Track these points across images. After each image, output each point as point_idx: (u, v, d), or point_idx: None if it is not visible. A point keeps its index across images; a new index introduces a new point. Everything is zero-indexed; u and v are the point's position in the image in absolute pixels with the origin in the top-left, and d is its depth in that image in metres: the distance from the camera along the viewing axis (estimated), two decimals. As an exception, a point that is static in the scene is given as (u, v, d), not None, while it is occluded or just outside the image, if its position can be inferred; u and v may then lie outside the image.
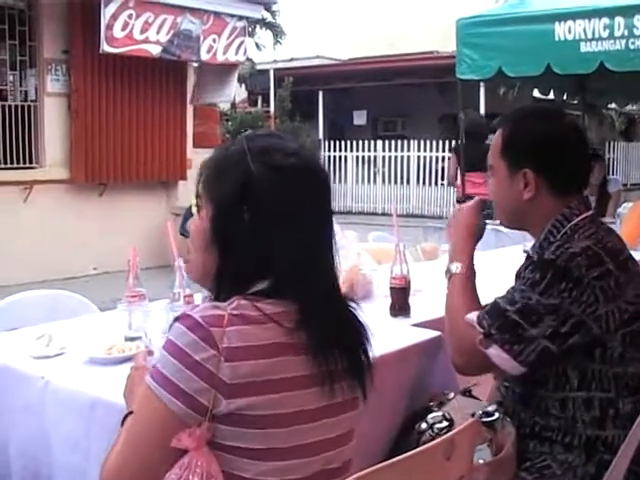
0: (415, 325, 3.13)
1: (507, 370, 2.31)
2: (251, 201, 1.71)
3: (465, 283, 2.54)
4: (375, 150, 21.46)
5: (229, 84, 11.60)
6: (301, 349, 1.67)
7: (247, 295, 1.69)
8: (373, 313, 3.18)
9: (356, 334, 1.82)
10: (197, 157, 10.57)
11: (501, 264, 3.37)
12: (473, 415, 2.38)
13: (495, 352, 2.27)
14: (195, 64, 11.61)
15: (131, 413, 1.86)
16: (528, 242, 2.81)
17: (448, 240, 2.79)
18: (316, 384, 1.69)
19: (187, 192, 10.56)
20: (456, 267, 2.57)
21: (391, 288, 3.29)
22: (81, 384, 2.48)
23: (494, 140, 2.53)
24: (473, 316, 2.36)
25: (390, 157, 21.19)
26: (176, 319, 1.66)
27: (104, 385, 2.43)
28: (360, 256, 3.68)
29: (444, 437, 1.81)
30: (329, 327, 1.73)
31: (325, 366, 1.70)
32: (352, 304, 1.86)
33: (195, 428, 1.58)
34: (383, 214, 20.06)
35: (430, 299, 3.51)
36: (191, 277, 1.93)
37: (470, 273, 2.56)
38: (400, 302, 3.29)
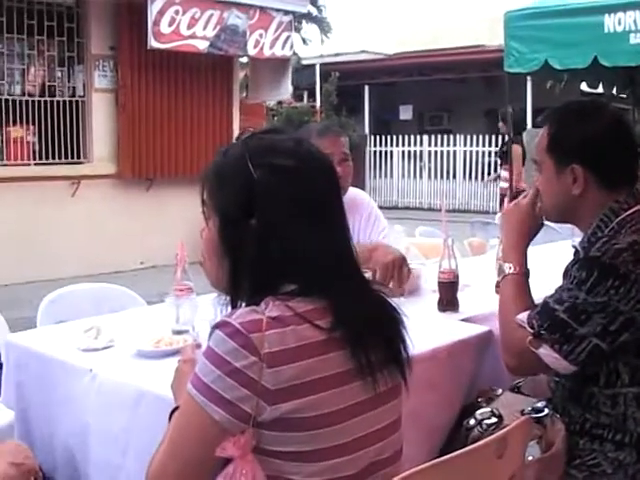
0: (464, 320, 3.09)
1: (558, 370, 2.28)
2: (257, 207, 1.67)
3: (518, 284, 2.50)
4: (421, 145, 21.38)
5: (284, 81, 11.60)
6: (338, 345, 1.65)
7: (278, 295, 1.67)
8: (421, 308, 3.19)
9: (390, 322, 1.79)
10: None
11: (550, 259, 3.32)
12: (522, 412, 2.36)
13: (546, 352, 2.25)
14: (242, 59, 11.63)
15: (178, 408, 1.86)
16: (576, 237, 2.76)
17: (501, 238, 2.75)
18: (356, 378, 1.67)
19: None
20: (509, 267, 2.53)
21: (439, 283, 3.26)
22: (128, 377, 2.48)
23: (540, 136, 2.50)
24: (523, 317, 2.33)
25: (436, 152, 21.10)
26: (215, 326, 1.64)
27: (151, 378, 2.43)
28: (408, 251, 3.65)
29: (496, 435, 1.79)
30: (363, 319, 1.71)
31: (363, 359, 1.67)
32: (382, 291, 1.84)
33: (239, 436, 1.57)
34: (429, 209, 20.01)
35: (479, 294, 3.49)
36: (212, 286, 1.91)
37: (523, 273, 2.52)
38: (448, 297, 3.25)
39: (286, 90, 11.80)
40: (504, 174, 10.36)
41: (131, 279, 8.39)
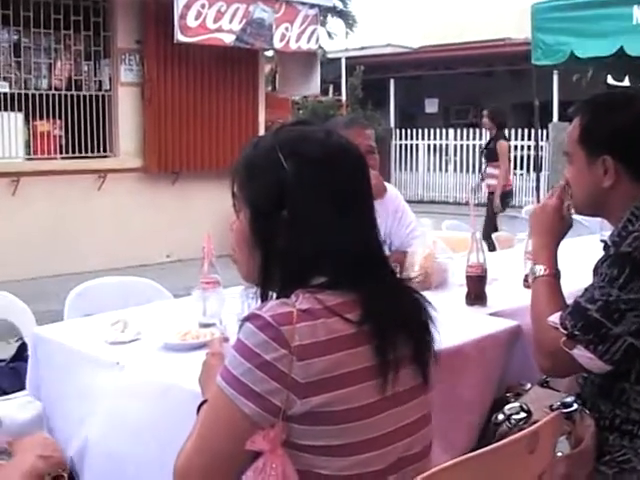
0: (492, 314, 3.07)
1: (593, 369, 2.25)
2: (287, 198, 1.67)
3: (549, 286, 2.47)
4: (447, 138, 21.30)
5: (313, 76, 11.57)
6: (366, 339, 1.63)
7: (309, 288, 1.66)
8: (449, 302, 3.17)
9: (419, 317, 1.78)
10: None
11: (578, 254, 3.30)
12: (551, 407, 2.33)
13: (580, 353, 2.22)
14: (267, 53, 11.61)
15: (206, 401, 1.86)
16: (605, 231, 2.73)
17: (529, 234, 2.72)
18: (384, 373, 1.65)
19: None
20: (540, 269, 2.50)
21: (467, 276, 3.24)
22: (155, 370, 2.49)
23: (571, 128, 2.47)
24: (556, 318, 2.30)
25: (462, 145, 21.00)
26: (246, 318, 1.63)
27: (178, 371, 2.43)
28: (436, 244, 3.63)
29: (528, 430, 1.77)
30: (392, 313, 1.70)
31: (392, 354, 1.66)
32: (410, 286, 1.83)
33: (269, 430, 1.56)
34: (454, 203, 19.94)
35: (507, 288, 3.47)
36: (243, 278, 1.90)
37: (554, 275, 2.49)
38: (476, 291, 3.23)
39: (315, 85, 11.77)
40: (490, 171, 10.25)
41: (157, 272, 8.41)
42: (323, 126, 1.87)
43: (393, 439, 1.68)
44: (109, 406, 2.54)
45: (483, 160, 11.35)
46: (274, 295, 1.74)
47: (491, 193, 9.94)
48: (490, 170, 10.24)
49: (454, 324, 2.67)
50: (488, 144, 10.63)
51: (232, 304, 2.87)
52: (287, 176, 1.67)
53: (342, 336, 1.61)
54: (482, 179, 10.65)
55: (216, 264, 2.94)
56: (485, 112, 10.53)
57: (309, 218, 1.67)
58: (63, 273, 9.17)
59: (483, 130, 20.49)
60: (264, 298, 1.75)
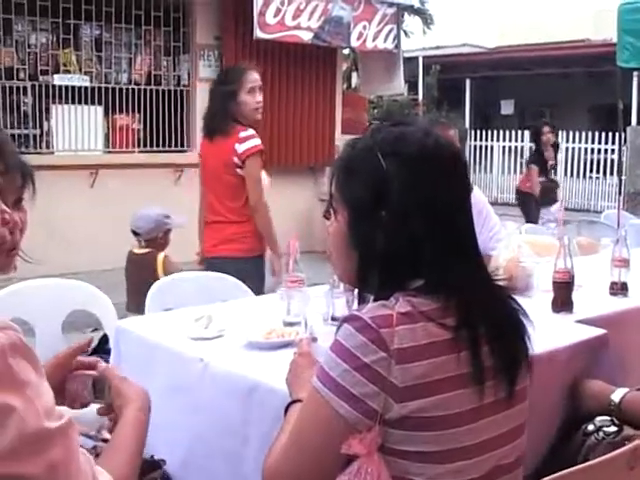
0: (579, 322, 3.00)
1: None
2: (387, 199, 1.65)
3: None
4: (522, 140, 21.02)
5: (396, 74, 11.51)
6: (463, 346, 1.61)
7: (407, 291, 1.63)
8: (533, 308, 3.10)
9: (516, 325, 1.75)
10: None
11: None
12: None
13: None
14: (345, 51, 11.58)
15: (295, 402, 1.84)
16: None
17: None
18: (481, 380, 1.62)
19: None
20: None
21: (554, 283, 3.18)
22: (240, 368, 2.48)
23: None
24: None
25: (537, 148, 20.73)
26: (344, 320, 1.62)
27: (263, 370, 2.42)
28: (520, 248, 3.56)
29: (629, 446, 1.72)
30: (490, 320, 1.67)
31: (490, 361, 1.64)
32: (509, 292, 1.79)
33: (365, 433, 1.54)
34: (529, 206, 19.67)
35: (593, 295, 3.40)
36: (341, 280, 1.88)
37: None
38: (563, 297, 3.17)
39: (399, 84, 11.69)
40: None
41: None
42: (422, 125, 1.83)
43: (488, 448, 1.65)
44: (192, 401, 2.54)
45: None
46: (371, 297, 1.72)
47: None
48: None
49: (540, 331, 2.61)
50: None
51: (316, 303, 2.87)
52: (386, 175, 1.65)
53: (440, 341, 1.58)
54: None
55: (300, 262, 2.92)
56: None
57: (407, 218, 1.64)
58: (138, 265, 9.27)
59: (559, 132, 20.25)
60: (361, 300, 1.72)
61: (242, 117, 4.81)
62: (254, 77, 4.93)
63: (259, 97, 4.94)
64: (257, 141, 4.66)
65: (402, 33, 11.95)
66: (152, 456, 2.16)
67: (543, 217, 9.58)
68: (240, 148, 4.61)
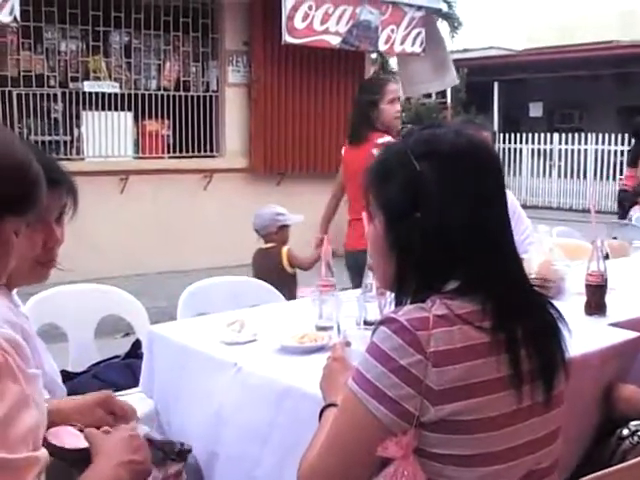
0: (612, 325, 2.98)
1: None
2: (421, 199, 1.65)
3: None
4: (551, 143, 20.95)
5: (447, 70, 11.48)
6: (500, 349, 1.60)
7: (444, 294, 1.63)
8: (566, 311, 3.08)
9: (553, 329, 1.74)
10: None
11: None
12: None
13: None
14: (372, 55, 11.56)
15: (329, 406, 1.84)
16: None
17: None
18: (518, 384, 1.62)
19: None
20: None
21: (587, 285, 3.15)
22: (272, 372, 2.48)
23: None
24: None
25: (566, 150, 20.62)
26: (381, 322, 1.62)
27: (296, 374, 2.42)
28: (552, 251, 3.54)
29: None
30: (527, 323, 1.67)
31: (527, 364, 1.63)
32: (545, 296, 1.79)
33: (402, 436, 1.54)
34: (558, 208, 19.61)
35: (626, 298, 3.37)
36: (379, 284, 1.88)
37: None
38: (596, 300, 3.14)
39: (452, 79, 11.63)
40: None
41: (261, 273, 8.46)
42: (452, 126, 1.83)
43: (523, 452, 1.65)
44: (221, 405, 2.55)
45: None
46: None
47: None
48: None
49: (574, 334, 2.60)
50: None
51: (348, 307, 2.87)
52: (419, 176, 1.66)
53: (477, 344, 1.58)
54: None
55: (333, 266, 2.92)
56: None
57: (442, 218, 1.65)
58: (167, 270, 9.33)
59: (588, 135, 20.16)
60: (398, 303, 1.72)
61: (382, 125, 5.11)
62: (394, 88, 5.32)
63: (398, 107, 5.28)
64: None
65: (440, 34, 11.83)
66: (182, 444, 2.16)
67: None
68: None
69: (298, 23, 9.75)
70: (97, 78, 9.81)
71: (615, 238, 5.49)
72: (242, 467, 2.45)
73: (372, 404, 1.55)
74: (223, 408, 2.54)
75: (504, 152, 21.12)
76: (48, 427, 1.76)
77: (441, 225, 1.64)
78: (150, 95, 10.10)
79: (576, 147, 20.38)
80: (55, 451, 1.73)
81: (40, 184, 1.41)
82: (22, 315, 2.27)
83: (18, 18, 8.09)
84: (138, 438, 1.85)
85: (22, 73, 9.30)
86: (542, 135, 21.01)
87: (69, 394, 2.42)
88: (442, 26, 21.35)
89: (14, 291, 2.25)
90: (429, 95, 23.21)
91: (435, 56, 11.16)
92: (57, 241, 2.14)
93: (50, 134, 9.61)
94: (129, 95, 9.94)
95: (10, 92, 9.12)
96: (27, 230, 1.94)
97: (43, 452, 1.26)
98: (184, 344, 2.85)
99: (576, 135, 20.55)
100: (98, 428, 1.85)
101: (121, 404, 2.07)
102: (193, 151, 10.37)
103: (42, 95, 9.41)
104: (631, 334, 2.82)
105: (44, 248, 2.10)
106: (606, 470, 1.60)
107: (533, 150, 21.17)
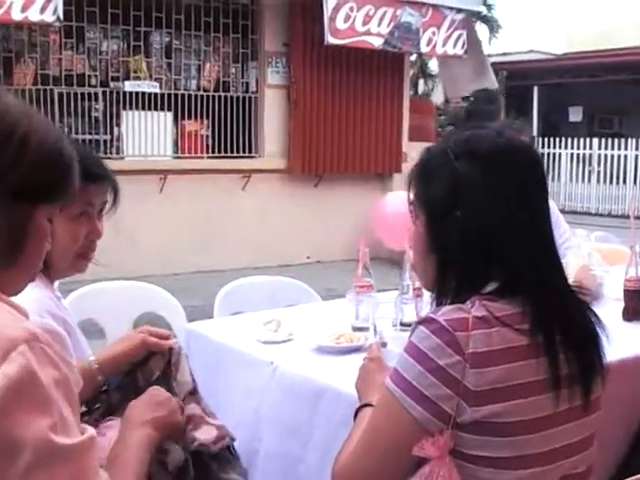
0: (650, 330, 2.97)
1: None
2: (461, 197, 1.66)
3: None
4: (590, 148, 20.75)
5: (486, 73, 11.49)
6: (538, 352, 1.60)
7: (483, 295, 1.63)
8: (604, 316, 3.07)
9: (592, 335, 1.73)
10: (412, 151, 10.51)
11: None
12: None
13: None
14: (411, 57, 11.54)
15: (364, 406, 1.85)
16: None
17: None
18: (556, 388, 1.61)
19: (402, 185, 10.51)
20: None
21: (625, 291, 3.14)
22: (309, 371, 2.50)
23: None
24: None
25: (606, 155, 20.42)
26: (419, 322, 1.63)
27: (332, 374, 2.43)
28: (591, 256, 3.52)
29: None
30: (566, 327, 1.66)
31: (565, 368, 1.63)
32: (585, 299, 1.78)
33: (438, 436, 1.54)
34: (596, 214, 19.42)
35: (664, 304, 3.34)
36: (421, 285, 1.89)
37: None
38: (634, 306, 3.13)
39: (492, 82, 11.65)
40: None
41: (297, 273, 8.48)
42: (493, 127, 1.83)
43: (559, 456, 1.64)
44: (259, 404, 2.57)
45: None
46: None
47: None
48: None
49: (611, 339, 2.59)
50: None
51: (384, 309, 2.87)
52: (459, 175, 1.67)
53: (515, 347, 1.58)
54: None
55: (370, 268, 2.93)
56: None
57: (482, 218, 1.65)
58: (204, 270, 9.37)
59: (628, 140, 19.96)
60: (439, 303, 1.72)
61: None
62: None
63: None
64: None
65: (478, 37, 11.84)
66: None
67: None
68: None
69: (340, 24, 9.78)
70: (137, 78, 9.89)
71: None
72: (284, 464, 2.48)
73: (409, 403, 1.56)
74: (261, 406, 2.56)
75: (543, 157, 20.94)
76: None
77: (481, 225, 1.64)
78: (190, 95, 10.16)
79: (616, 152, 20.16)
80: None
81: (72, 171, 1.43)
82: (64, 307, 2.31)
83: (61, 18, 8.19)
84: (160, 395, 1.89)
85: (64, 72, 9.40)
86: (581, 140, 20.81)
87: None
88: (481, 29, 21.34)
89: (55, 284, 2.29)
90: (468, 98, 23.10)
91: (474, 59, 11.16)
92: (99, 234, 2.21)
93: (90, 133, 9.69)
94: (169, 95, 10.00)
95: (52, 91, 9.22)
96: (71, 223, 2.06)
97: (92, 430, 1.28)
98: (221, 342, 2.87)
99: (616, 140, 20.35)
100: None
101: (156, 343, 2.17)
102: (232, 151, 10.40)
103: (83, 94, 9.50)
104: (669, 340, 2.81)
105: (85, 240, 2.17)
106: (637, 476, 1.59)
107: (572, 155, 20.98)
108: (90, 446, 1.25)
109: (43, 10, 8.05)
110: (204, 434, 1.98)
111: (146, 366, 2.09)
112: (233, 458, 2.08)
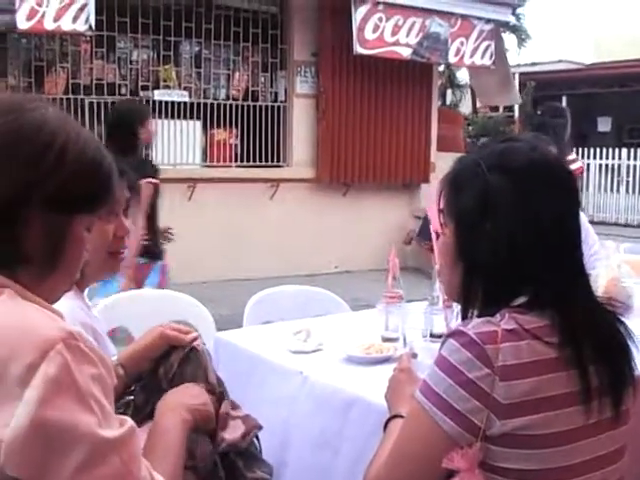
0: (681, 343, 2.94)
1: None
2: (492, 211, 1.66)
3: None
4: (619, 158, 20.61)
5: (511, 87, 11.52)
6: (567, 365, 1.60)
7: (513, 308, 1.63)
8: (633, 329, 3.05)
9: (620, 346, 1.73)
10: (440, 161, 10.52)
11: None
12: None
13: None
14: (440, 68, 11.53)
15: (394, 417, 1.85)
16: None
17: None
18: (587, 400, 1.61)
19: (430, 195, 10.53)
20: None
21: (655, 303, 3.13)
22: (339, 382, 2.50)
23: None
24: None
25: (635, 166, 20.27)
26: (449, 335, 1.63)
27: (362, 384, 2.44)
28: (620, 268, 3.51)
29: None
30: (596, 339, 1.66)
31: (596, 380, 1.63)
32: (615, 312, 1.77)
33: (467, 449, 1.54)
34: (625, 225, 19.29)
35: (695, 317, 3.32)
36: (446, 294, 1.89)
37: None
38: (664, 318, 3.11)
39: (515, 96, 11.70)
40: None
41: (324, 282, 8.47)
42: (527, 140, 1.84)
43: (589, 469, 1.64)
44: (288, 413, 2.57)
45: None
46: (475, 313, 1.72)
47: None
48: None
49: (640, 352, 2.58)
50: None
51: (413, 319, 2.88)
52: (490, 187, 1.67)
53: (545, 359, 1.58)
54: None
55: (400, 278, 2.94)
56: None
57: (512, 231, 1.65)
58: (232, 278, 9.40)
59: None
60: (465, 316, 1.73)
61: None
62: None
63: None
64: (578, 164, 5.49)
65: (504, 49, 11.85)
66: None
67: None
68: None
69: (369, 34, 9.79)
70: (167, 87, 9.98)
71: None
72: (313, 475, 2.48)
73: (439, 416, 1.56)
74: (291, 416, 2.56)
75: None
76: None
77: (510, 238, 1.64)
78: (219, 104, 10.22)
79: (645, 163, 20.05)
80: None
81: (111, 182, 1.44)
82: (94, 316, 2.33)
83: (93, 27, 8.26)
84: (194, 388, 1.95)
85: (94, 81, 9.50)
86: (610, 150, 20.69)
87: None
88: (510, 39, 21.27)
89: (85, 292, 2.31)
90: (496, 108, 23.07)
91: (500, 71, 11.15)
92: (127, 231, 2.21)
93: (120, 141, 9.75)
94: (198, 104, 10.07)
95: (82, 100, 9.31)
96: (99, 222, 2.00)
97: (130, 420, 1.31)
98: (250, 351, 2.88)
99: (645, 151, 20.22)
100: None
101: (176, 336, 2.15)
102: (260, 160, 10.45)
103: (113, 103, 9.55)
104: (699, 354, 2.79)
105: (114, 238, 2.17)
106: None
107: (601, 165, 20.83)
108: (132, 435, 1.28)
109: (75, 20, 8.12)
110: (231, 432, 2.00)
111: (168, 361, 2.10)
112: (258, 452, 2.09)
